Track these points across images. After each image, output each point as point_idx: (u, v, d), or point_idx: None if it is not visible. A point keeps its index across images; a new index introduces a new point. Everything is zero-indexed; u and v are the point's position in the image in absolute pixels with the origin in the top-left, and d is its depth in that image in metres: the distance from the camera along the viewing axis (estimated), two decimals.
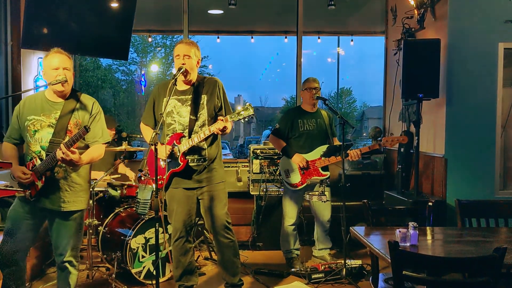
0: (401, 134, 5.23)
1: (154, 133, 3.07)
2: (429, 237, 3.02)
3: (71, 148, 2.87)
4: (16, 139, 3.16)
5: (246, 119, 3.34)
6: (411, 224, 2.67)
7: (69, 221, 3.12)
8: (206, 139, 3.53)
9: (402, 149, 5.20)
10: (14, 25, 5.40)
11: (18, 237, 3.07)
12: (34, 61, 5.73)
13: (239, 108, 3.38)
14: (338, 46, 24.21)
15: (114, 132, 4.96)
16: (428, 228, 3.25)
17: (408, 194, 4.74)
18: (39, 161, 3.00)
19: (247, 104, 3.32)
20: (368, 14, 7.12)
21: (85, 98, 3.19)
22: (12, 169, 3.02)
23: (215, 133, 3.39)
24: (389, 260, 2.26)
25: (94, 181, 4.11)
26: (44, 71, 3.07)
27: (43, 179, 2.99)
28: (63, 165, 3.03)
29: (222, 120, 3.33)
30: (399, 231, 2.65)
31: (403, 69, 4.58)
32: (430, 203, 3.71)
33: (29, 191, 3.00)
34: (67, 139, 2.98)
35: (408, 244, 2.63)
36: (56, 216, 3.10)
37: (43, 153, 3.01)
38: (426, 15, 4.93)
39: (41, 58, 5.84)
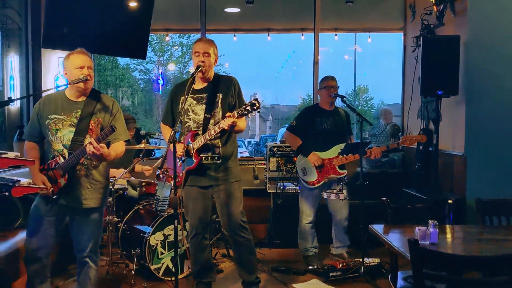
0: (420, 132, 5.17)
1: (173, 131, 3.11)
2: (449, 235, 2.99)
3: (100, 144, 2.91)
4: (36, 137, 3.21)
5: (253, 114, 3.25)
6: (430, 222, 2.64)
7: (90, 218, 3.18)
8: (220, 136, 3.53)
9: (420, 147, 5.15)
10: (35, 25, 5.49)
11: (40, 234, 3.13)
12: (54, 60, 5.82)
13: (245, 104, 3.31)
14: (355, 43, 24.02)
15: (133, 132, 5.01)
16: (448, 226, 3.22)
17: (427, 192, 4.69)
18: (62, 159, 3.04)
19: (253, 98, 3.24)
20: (386, 11, 7.05)
21: (105, 97, 3.24)
22: (32, 173, 3.05)
23: (226, 129, 3.33)
24: (409, 258, 2.25)
25: (114, 178, 4.17)
26: (67, 70, 3.11)
27: (66, 176, 3.04)
28: (85, 163, 3.08)
29: (230, 116, 3.29)
30: (419, 229, 2.63)
31: (422, 66, 4.53)
32: (450, 201, 3.67)
33: (52, 189, 3.05)
34: (88, 137, 3.03)
35: (427, 242, 2.61)
36: (76, 212, 3.16)
37: (66, 152, 3.06)
38: (445, 11, 4.86)
39: (61, 57, 5.92)
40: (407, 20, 6.16)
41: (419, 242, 2.24)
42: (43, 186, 2.97)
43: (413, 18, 5.74)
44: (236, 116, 3.26)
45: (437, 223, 2.66)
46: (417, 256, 2.16)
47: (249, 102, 3.23)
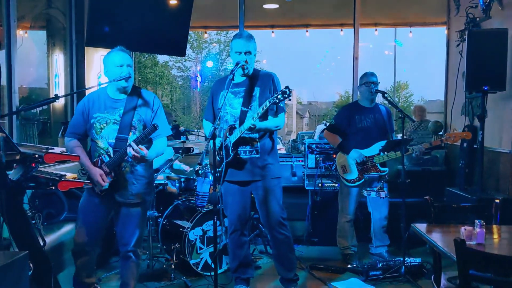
0: (464, 129, 5.02)
1: (213, 127, 3.13)
2: (495, 235, 2.88)
3: (140, 146, 2.96)
4: (79, 134, 3.27)
5: (284, 101, 3.27)
6: (477, 222, 2.56)
7: (134, 213, 3.25)
8: (255, 131, 3.47)
9: (464, 144, 4.99)
10: (79, 25, 5.66)
11: (88, 228, 3.22)
12: (97, 59, 5.97)
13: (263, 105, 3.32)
14: (396, 38, 23.55)
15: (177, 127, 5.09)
16: (494, 226, 3.10)
17: (471, 191, 4.55)
18: (107, 158, 3.12)
19: (284, 87, 3.22)
20: (428, 4, 6.88)
21: (146, 93, 3.29)
22: (88, 168, 3.11)
23: (249, 130, 3.36)
24: (454, 259, 2.18)
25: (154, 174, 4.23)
26: (107, 69, 3.17)
27: (112, 174, 3.11)
28: (129, 160, 3.13)
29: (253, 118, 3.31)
30: (465, 229, 2.55)
31: (467, 61, 4.39)
32: (497, 200, 3.54)
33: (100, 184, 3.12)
34: (132, 134, 3.09)
35: (474, 242, 2.52)
36: (122, 207, 3.23)
37: (110, 149, 3.13)
38: (492, 4, 4.69)
39: (104, 55, 6.06)
40: (450, 14, 5.99)
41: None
42: (87, 181, 3.05)
43: (457, 11, 5.57)
44: (268, 105, 3.25)
45: (484, 223, 2.56)
46: (464, 257, 2.09)
47: (280, 91, 3.21)
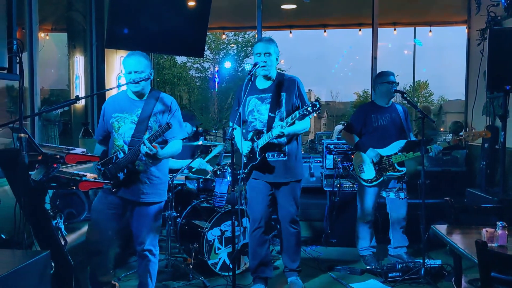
0: (485, 129, 4.93)
1: (231, 128, 3.16)
2: None
3: (153, 144, 3.02)
4: (104, 136, 3.38)
5: (314, 115, 3.34)
6: (499, 223, 2.52)
7: (148, 212, 3.28)
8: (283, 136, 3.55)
9: (486, 145, 4.92)
10: (99, 27, 5.74)
11: (102, 227, 3.26)
12: (116, 60, 6.05)
13: (296, 113, 3.41)
14: (415, 38, 23.28)
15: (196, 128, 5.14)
16: None
17: (493, 192, 4.48)
18: (122, 154, 3.17)
19: (314, 100, 3.36)
20: (448, 3, 6.80)
21: (165, 97, 3.35)
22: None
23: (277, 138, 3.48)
24: (476, 261, 2.15)
25: (172, 174, 4.26)
26: (124, 71, 3.26)
27: (125, 171, 3.16)
28: (143, 159, 3.18)
29: (279, 126, 3.41)
30: (486, 231, 2.51)
31: (489, 60, 4.33)
32: None
33: (113, 182, 3.17)
34: (147, 134, 3.13)
35: (495, 244, 2.48)
36: (136, 206, 3.27)
37: (126, 147, 3.18)
38: None
39: (123, 57, 6.14)
40: (471, 13, 5.92)
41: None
42: (107, 181, 3.09)
43: (478, 10, 5.50)
44: (297, 116, 3.36)
45: (506, 225, 2.52)
46: (486, 259, 2.06)
47: (310, 103, 3.32)
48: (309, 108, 3.30)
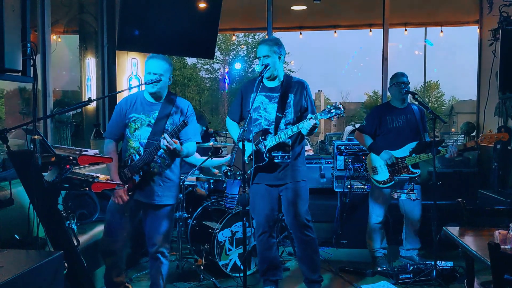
0: (501, 130, 4.88)
1: (242, 129, 3.16)
2: None
3: (173, 139, 3.04)
4: (116, 135, 3.38)
5: (336, 118, 3.35)
6: None
7: (161, 214, 3.31)
8: (292, 136, 3.55)
9: (498, 146, 4.87)
10: (110, 29, 5.78)
11: (117, 228, 3.29)
12: (128, 62, 6.09)
13: (328, 106, 3.40)
14: (426, 38, 23.16)
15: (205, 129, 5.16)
16: None
17: (505, 194, 4.44)
18: (137, 156, 3.19)
19: (338, 103, 3.35)
20: (459, 3, 6.75)
21: (181, 101, 3.39)
22: (113, 172, 3.23)
23: (306, 130, 3.37)
24: (488, 263, 2.13)
25: (183, 176, 4.28)
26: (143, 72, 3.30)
27: (140, 173, 3.18)
28: (159, 161, 3.21)
29: (312, 118, 3.33)
30: (499, 233, 2.48)
31: (501, 60, 4.31)
32: None
33: (127, 185, 3.20)
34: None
35: (508, 246, 2.45)
36: (149, 208, 3.30)
37: (141, 149, 3.21)
38: None
39: (134, 58, 6.19)
40: (483, 13, 5.87)
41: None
42: (120, 183, 3.12)
43: (490, 10, 5.46)
44: (318, 118, 3.35)
45: None
46: (498, 261, 2.04)
47: (334, 105, 3.35)
48: (332, 110, 3.33)
